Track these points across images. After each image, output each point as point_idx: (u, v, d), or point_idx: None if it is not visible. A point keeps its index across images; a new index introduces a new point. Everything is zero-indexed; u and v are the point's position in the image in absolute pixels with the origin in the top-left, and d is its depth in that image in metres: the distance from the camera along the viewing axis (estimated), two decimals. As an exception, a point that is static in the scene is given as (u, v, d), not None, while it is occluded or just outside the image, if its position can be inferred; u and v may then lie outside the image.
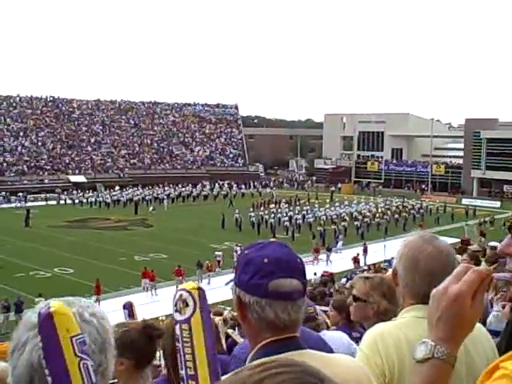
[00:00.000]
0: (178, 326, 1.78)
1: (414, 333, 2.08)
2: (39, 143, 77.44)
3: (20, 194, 61.12)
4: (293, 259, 1.66)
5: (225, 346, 5.42)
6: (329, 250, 35.94)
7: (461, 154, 76.02)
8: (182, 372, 1.76)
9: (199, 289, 1.80)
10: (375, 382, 1.88)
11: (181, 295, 1.78)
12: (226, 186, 72.34)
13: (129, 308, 4.04)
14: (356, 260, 33.64)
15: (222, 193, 68.49)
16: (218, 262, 32.30)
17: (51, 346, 1.30)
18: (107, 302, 23.16)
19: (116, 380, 2.53)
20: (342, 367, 1.63)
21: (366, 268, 26.86)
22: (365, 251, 35.45)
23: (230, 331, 6.52)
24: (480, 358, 2.10)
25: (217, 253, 33.29)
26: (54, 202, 60.26)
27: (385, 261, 29.40)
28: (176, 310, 1.80)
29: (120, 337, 2.45)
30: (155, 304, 24.16)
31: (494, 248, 8.06)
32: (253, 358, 1.61)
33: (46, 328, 1.31)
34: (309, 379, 0.82)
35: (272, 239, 1.82)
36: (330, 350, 3.04)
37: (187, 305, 1.75)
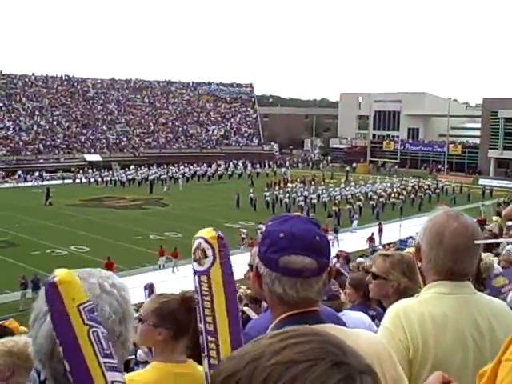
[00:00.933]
0: (196, 278, 1.72)
1: (438, 309, 2.08)
2: (54, 122, 77.79)
3: (36, 172, 61.64)
4: (311, 237, 1.63)
5: (240, 322, 5.41)
6: (335, 231, 34.83)
7: (478, 133, 75.24)
8: (201, 326, 1.71)
9: (219, 237, 1.73)
10: (396, 358, 1.83)
11: (199, 244, 1.70)
12: (240, 165, 72.37)
13: (149, 289, 4.06)
14: (371, 240, 33.54)
15: (236, 172, 68.53)
16: (243, 238, 32.36)
17: (58, 315, 1.28)
18: (124, 279, 23.27)
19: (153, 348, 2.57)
20: (362, 342, 1.60)
21: (381, 248, 26.78)
22: (380, 231, 35.35)
23: (245, 308, 6.53)
24: (504, 335, 2.05)
25: (242, 230, 33.38)
26: (69, 181, 60.61)
27: (400, 241, 29.29)
28: (194, 260, 1.73)
29: (159, 307, 2.53)
30: (173, 281, 24.26)
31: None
32: (273, 329, 1.55)
33: (51, 298, 1.29)
34: (331, 349, 0.80)
35: (298, 213, 1.75)
36: None
37: (206, 255, 1.68)
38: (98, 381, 1.27)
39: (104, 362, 1.29)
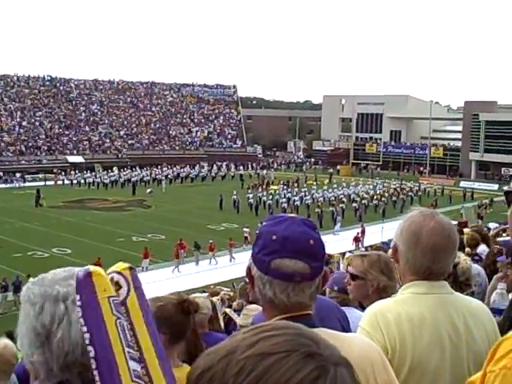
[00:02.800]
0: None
1: (415, 309, 2.08)
2: (37, 123, 77.12)
3: (18, 174, 61.13)
4: (303, 240, 1.59)
5: (222, 324, 5.47)
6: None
7: (459, 136, 75.90)
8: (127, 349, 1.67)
9: (130, 268, 1.68)
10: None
11: (112, 278, 1.64)
12: (224, 167, 72.33)
13: None
14: (357, 239, 33.84)
15: (219, 174, 68.50)
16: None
17: (91, 301, 1.33)
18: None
19: None
20: (355, 347, 1.61)
21: (363, 249, 26.94)
22: (362, 233, 35.58)
23: (227, 310, 6.60)
24: (480, 336, 2.11)
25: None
26: (51, 183, 60.16)
27: (382, 242, 29.47)
28: None
29: (155, 311, 2.38)
30: (151, 285, 24.21)
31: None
32: None
33: (85, 285, 1.34)
34: (304, 341, 0.80)
35: (293, 215, 1.75)
36: (347, 324, 3.06)
37: (120, 286, 1.62)
38: (121, 367, 1.32)
39: (128, 351, 1.34)
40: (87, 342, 1.32)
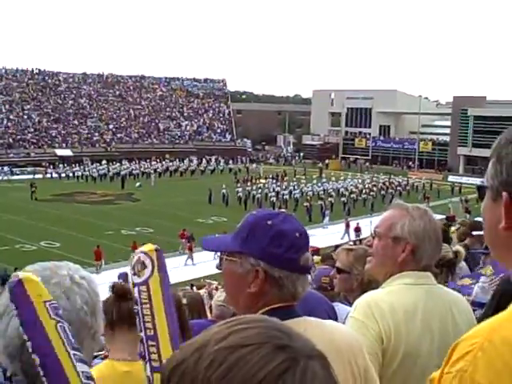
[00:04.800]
0: (136, 289, 1.74)
1: (407, 299, 2.13)
2: (25, 116, 76.66)
3: (6, 167, 60.80)
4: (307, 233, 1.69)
5: (177, 326, 5.50)
6: None
7: (448, 131, 76.26)
8: (142, 334, 1.72)
9: (156, 250, 1.76)
10: (371, 348, 1.96)
11: (138, 258, 1.74)
12: (213, 161, 72.29)
13: (124, 278, 3.96)
14: (358, 229, 34.45)
15: (209, 168, 68.47)
16: None
17: (26, 309, 1.30)
18: (95, 275, 23.13)
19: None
20: (336, 333, 1.67)
21: (351, 243, 27.10)
22: (347, 226, 35.93)
23: (213, 303, 6.63)
24: (464, 324, 2.16)
25: None
26: (40, 176, 59.87)
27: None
28: (134, 274, 1.76)
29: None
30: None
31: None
32: None
33: (18, 294, 1.30)
34: (276, 334, 0.80)
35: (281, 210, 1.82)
36: (335, 316, 3.10)
37: (145, 266, 1.71)
38: (69, 371, 1.28)
39: (74, 354, 1.30)
40: (30, 350, 1.29)
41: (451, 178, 63.12)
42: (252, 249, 1.62)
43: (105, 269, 25.61)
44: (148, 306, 1.71)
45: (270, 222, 1.62)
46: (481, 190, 1.16)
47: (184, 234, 30.74)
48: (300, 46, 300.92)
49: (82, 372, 1.30)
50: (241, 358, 0.76)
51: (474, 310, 2.51)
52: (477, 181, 61.43)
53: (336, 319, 3.00)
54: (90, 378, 1.31)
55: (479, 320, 2.30)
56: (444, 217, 28.22)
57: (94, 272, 25.21)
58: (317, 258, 12.27)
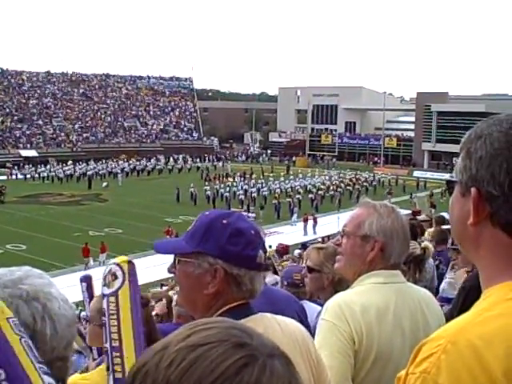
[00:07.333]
0: (105, 300, 1.74)
1: (377, 298, 2.13)
2: (-12, 117, 75.36)
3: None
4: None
5: (143, 338, 5.53)
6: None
7: (412, 127, 77.23)
8: (106, 345, 1.71)
9: (129, 262, 1.77)
10: (342, 349, 2.01)
11: (110, 269, 1.75)
12: (180, 159, 72.05)
13: (87, 281, 3.90)
14: (306, 220, 35.68)
15: (176, 167, 68.22)
16: None
17: None
18: (63, 277, 22.92)
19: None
20: (291, 327, 1.73)
21: (319, 240, 27.26)
22: (315, 221, 36.46)
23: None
24: (433, 321, 2.20)
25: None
26: (4, 177, 58.85)
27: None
28: (104, 285, 1.76)
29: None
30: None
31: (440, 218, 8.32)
32: None
33: None
34: (235, 333, 0.82)
35: (236, 209, 1.87)
36: (305, 316, 3.18)
37: (116, 278, 1.72)
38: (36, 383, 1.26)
39: (39, 367, 1.27)
40: None
41: (416, 174, 63.97)
42: (209, 248, 1.63)
43: (73, 271, 25.31)
44: (115, 317, 1.71)
45: (225, 221, 1.64)
46: (450, 184, 1.18)
47: (169, 231, 30.69)
48: (266, 44, 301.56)
49: (49, 383, 1.29)
50: (199, 356, 0.77)
51: (441, 306, 2.54)
52: (441, 176, 62.53)
53: (306, 318, 3.06)
54: None
55: (446, 316, 2.39)
56: (410, 212, 28.63)
57: (83, 269, 25.16)
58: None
